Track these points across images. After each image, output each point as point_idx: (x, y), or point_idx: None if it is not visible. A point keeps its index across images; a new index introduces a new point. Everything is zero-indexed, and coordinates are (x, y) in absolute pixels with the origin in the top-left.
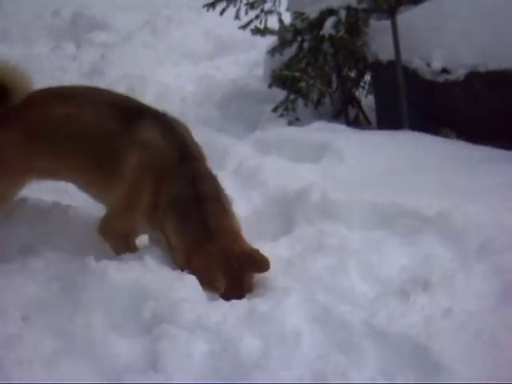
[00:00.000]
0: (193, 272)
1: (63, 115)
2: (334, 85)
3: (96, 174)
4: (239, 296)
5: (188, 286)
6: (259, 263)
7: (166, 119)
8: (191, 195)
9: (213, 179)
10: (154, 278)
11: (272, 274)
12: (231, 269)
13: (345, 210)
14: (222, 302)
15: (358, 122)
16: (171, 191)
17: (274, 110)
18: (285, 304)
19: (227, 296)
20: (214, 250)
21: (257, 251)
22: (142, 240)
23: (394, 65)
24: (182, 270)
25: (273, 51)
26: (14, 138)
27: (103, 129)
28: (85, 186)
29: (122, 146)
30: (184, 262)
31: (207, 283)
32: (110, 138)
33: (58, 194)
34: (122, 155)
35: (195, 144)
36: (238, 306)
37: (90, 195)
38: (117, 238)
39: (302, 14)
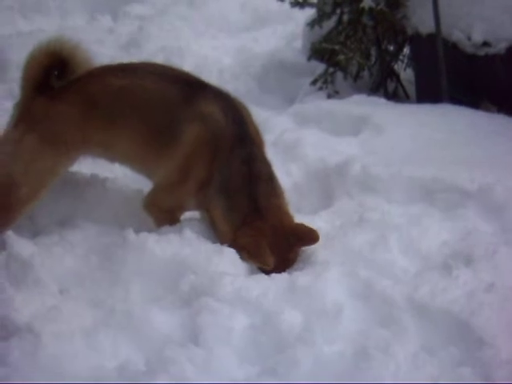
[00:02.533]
0: (240, 248)
1: (122, 86)
2: (373, 58)
3: (150, 146)
4: (281, 271)
5: (227, 259)
6: (308, 237)
7: (229, 98)
8: (245, 174)
9: (268, 163)
10: (193, 251)
11: (312, 248)
12: (280, 245)
13: (385, 184)
14: (262, 275)
15: (396, 95)
16: (225, 169)
17: (313, 82)
18: (325, 278)
19: (269, 271)
20: (264, 226)
21: (304, 225)
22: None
23: (434, 38)
24: (229, 246)
25: (312, 24)
26: (71, 110)
27: (163, 99)
28: (136, 161)
29: (182, 117)
30: (231, 238)
31: (256, 259)
32: (169, 109)
33: (96, 166)
34: (180, 127)
35: (255, 127)
36: (279, 279)
37: (138, 170)
38: (163, 213)
39: None
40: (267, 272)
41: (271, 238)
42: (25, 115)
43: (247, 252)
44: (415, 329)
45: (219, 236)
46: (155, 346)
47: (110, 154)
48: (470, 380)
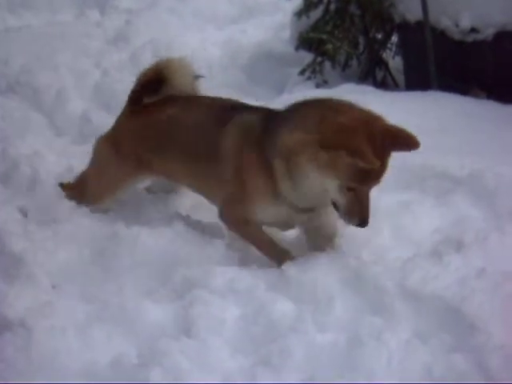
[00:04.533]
0: (335, 147)
1: (169, 115)
2: (361, 47)
3: (198, 167)
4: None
5: (219, 250)
6: (408, 139)
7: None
8: (288, 111)
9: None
10: (184, 244)
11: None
12: (375, 145)
13: None
14: (253, 266)
15: (385, 83)
16: (270, 136)
17: (301, 72)
18: (316, 267)
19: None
20: (353, 120)
21: (400, 127)
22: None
23: (422, 25)
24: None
25: (299, 13)
26: (139, 130)
27: (202, 124)
28: (194, 183)
29: (218, 136)
30: (315, 145)
31: (360, 158)
32: (207, 131)
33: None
34: (216, 143)
35: None
36: (270, 269)
37: (203, 194)
38: (238, 225)
39: None
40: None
41: (365, 136)
42: (115, 123)
43: (348, 151)
44: (407, 316)
45: (301, 155)
46: (148, 338)
47: (170, 176)
48: (462, 366)
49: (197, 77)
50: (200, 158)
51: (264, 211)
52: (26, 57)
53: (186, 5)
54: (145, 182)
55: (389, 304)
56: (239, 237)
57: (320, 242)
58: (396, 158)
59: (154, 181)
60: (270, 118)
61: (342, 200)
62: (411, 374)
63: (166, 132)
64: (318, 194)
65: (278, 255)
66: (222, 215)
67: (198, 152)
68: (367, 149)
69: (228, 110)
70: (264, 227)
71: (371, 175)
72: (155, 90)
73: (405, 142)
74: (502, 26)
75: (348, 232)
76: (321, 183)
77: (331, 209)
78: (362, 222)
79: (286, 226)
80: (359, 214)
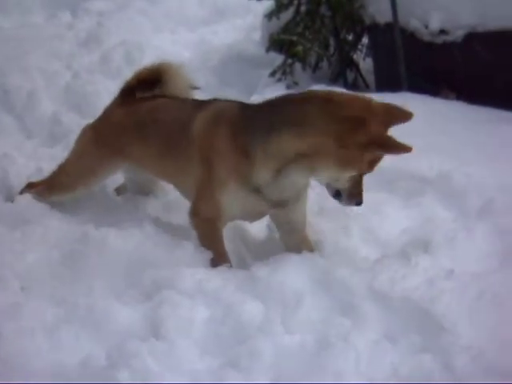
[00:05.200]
0: (369, 143)
1: (152, 105)
2: (332, 48)
3: (170, 155)
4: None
5: (188, 252)
6: (402, 113)
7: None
8: (277, 104)
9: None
10: (153, 245)
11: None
12: (378, 124)
13: None
14: (222, 267)
15: (356, 85)
16: (254, 123)
17: (272, 74)
18: (285, 268)
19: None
20: (364, 114)
21: (390, 103)
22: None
23: (392, 27)
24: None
25: (269, 15)
26: (122, 119)
27: (178, 113)
28: (166, 173)
29: (190, 121)
30: (334, 143)
31: (396, 149)
32: (181, 120)
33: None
34: (188, 127)
35: None
36: (239, 270)
37: (175, 185)
38: (204, 223)
39: None
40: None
41: (376, 122)
42: (102, 113)
43: (381, 145)
44: (376, 316)
45: (312, 156)
46: (117, 340)
47: (148, 166)
48: (429, 366)
49: (192, 87)
50: (175, 147)
51: (233, 199)
52: None
53: (158, 7)
54: (120, 171)
55: (357, 305)
56: (197, 235)
57: (294, 238)
58: None
59: (130, 172)
60: (249, 107)
61: (346, 186)
62: (379, 375)
63: (147, 120)
64: (300, 188)
65: (219, 261)
66: (192, 212)
67: (173, 140)
68: (391, 137)
69: (206, 102)
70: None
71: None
72: (149, 88)
73: (401, 115)
74: (472, 27)
75: (316, 233)
76: (332, 177)
77: (301, 204)
78: (361, 201)
79: (254, 217)
80: (358, 196)
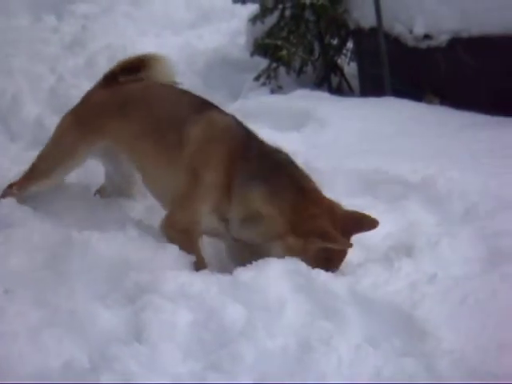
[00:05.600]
0: (308, 233)
1: (142, 88)
2: (317, 53)
3: (158, 147)
4: (340, 262)
5: (171, 255)
6: (368, 221)
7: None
8: (273, 163)
9: (284, 152)
10: (136, 248)
11: None
12: (338, 230)
13: (328, 178)
14: (205, 271)
15: (340, 89)
16: (246, 167)
17: (257, 78)
18: (268, 272)
19: (328, 265)
20: (322, 210)
21: (359, 212)
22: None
23: (376, 31)
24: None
25: (254, 19)
26: (104, 100)
27: (174, 104)
28: (144, 163)
29: (189, 120)
30: (286, 227)
31: (332, 241)
32: (179, 113)
33: None
34: (186, 128)
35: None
36: (221, 275)
37: (149, 186)
38: (179, 234)
39: None
40: (328, 268)
41: (332, 222)
42: (82, 97)
43: (320, 236)
44: (358, 321)
45: (267, 226)
46: (99, 343)
47: (122, 149)
48: (412, 370)
49: (174, 83)
50: (160, 133)
51: (208, 215)
52: None
53: (143, 10)
54: (98, 155)
55: (340, 309)
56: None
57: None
58: (348, 163)
59: (107, 159)
60: (253, 145)
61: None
62: (361, 379)
63: (132, 98)
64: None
65: (199, 264)
66: (166, 224)
67: (159, 126)
68: (336, 232)
69: (203, 101)
70: None
71: (337, 258)
72: (132, 74)
73: (365, 223)
74: (456, 32)
75: None
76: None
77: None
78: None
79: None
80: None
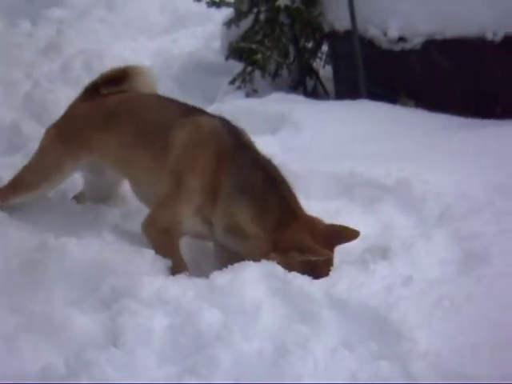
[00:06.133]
0: (289, 249)
1: (126, 97)
2: (292, 56)
3: (143, 154)
4: (326, 273)
5: (147, 260)
6: (349, 232)
7: (225, 118)
8: (262, 178)
9: (275, 166)
10: (113, 253)
11: None
12: (321, 245)
13: (303, 181)
14: (181, 276)
15: (316, 92)
16: (235, 175)
17: (232, 82)
18: (244, 277)
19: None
20: (303, 226)
21: (339, 225)
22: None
23: (351, 34)
24: (267, 258)
25: (229, 23)
26: (87, 113)
27: (160, 111)
28: (131, 171)
29: (176, 124)
30: (269, 246)
31: (313, 253)
32: (165, 119)
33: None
34: (172, 132)
35: (254, 144)
36: (197, 279)
37: (136, 188)
38: (160, 234)
39: None
40: (316, 276)
41: (313, 236)
42: (64, 112)
43: (299, 250)
44: (334, 324)
45: (251, 243)
46: (76, 348)
47: (112, 161)
48: (388, 373)
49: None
50: (146, 141)
51: (191, 218)
52: None
53: (118, 15)
54: (83, 170)
55: (316, 312)
56: (153, 246)
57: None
58: (323, 166)
59: (92, 172)
60: (243, 153)
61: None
62: (337, 381)
63: (116, 110)
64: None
65: (177, 271)
66: (147, 222)
67: (145, 135)
68: (315, 244)
69: (190, 108)
70: None
71: (323, 266)
72: (114, 86)
73: (346, 234)
74: (430, 34)
75: None
76: None
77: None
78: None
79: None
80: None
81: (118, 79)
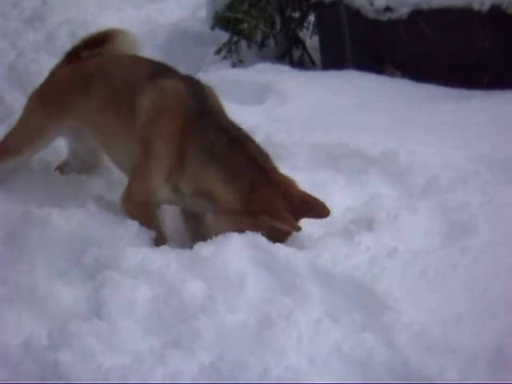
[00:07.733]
0: (259, 212)
1: (100, 61)
2: (278, 26)
3: (113, 118)
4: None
5: (131, 231)
6: (320, 209)
7: (195, 80)
8: (227, 141)
9: (239, 127)
10: (96, 224)
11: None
12: (290, 211)
13: (289, 151)
14: (165, 246)
15: (302, 63)
16: (200, 141)
17: (217, 52)
18: (228, 248)
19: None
20: (277, 189)
21: (314, 197)
22: None
23: (337, 4)
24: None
25: None
26: (67, 77)
27: (130, 74)
28: (104, 138)
29: (141, 90)
30: (241, 206)
31: (281, 221)
32: (133, 83)
33: None
34: (137, 99)
35: (219, 104)
36: (181, 250)
37: (112, 158)
38: (137, 207)
39: None
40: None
41: (285, 202)
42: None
43: (269, 215)
44: (318, 295)
45: (223, 208)
46: (59, 320)
47: (87, 126)
48: (372, 344)
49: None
50: (118, 105)
51: (162, 186)
52: None
53: None
54: (65, 134)
55: (300, 284)
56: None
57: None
58: (309, 137)
59: (73, 138)
60: (210, 120)
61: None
62: (321, 353)
63: (94, 73)
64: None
65: (159, 241)
66: (124, 197)
67: (118, 98)
68: (287, 214)
69: (159, 69)
70: None
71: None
72: (95, 48)
73: (317, 210)
74: (416, 4)
75: None
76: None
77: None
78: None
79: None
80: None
81: (98, 43)
